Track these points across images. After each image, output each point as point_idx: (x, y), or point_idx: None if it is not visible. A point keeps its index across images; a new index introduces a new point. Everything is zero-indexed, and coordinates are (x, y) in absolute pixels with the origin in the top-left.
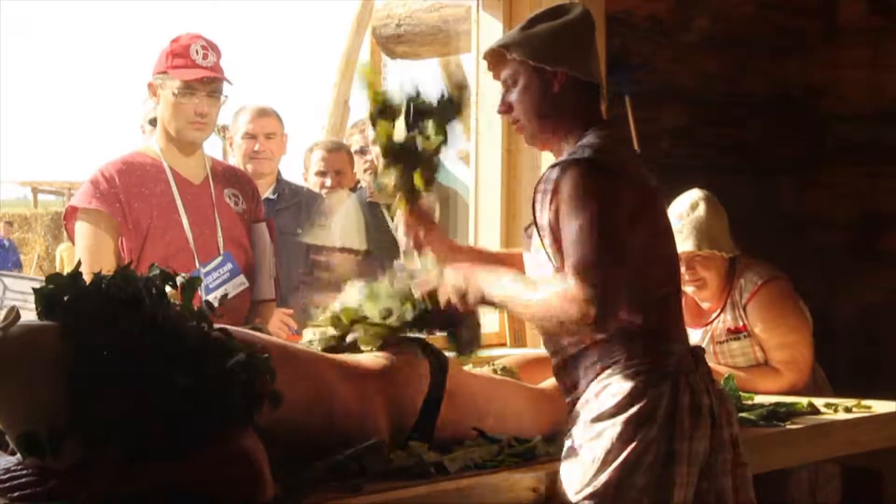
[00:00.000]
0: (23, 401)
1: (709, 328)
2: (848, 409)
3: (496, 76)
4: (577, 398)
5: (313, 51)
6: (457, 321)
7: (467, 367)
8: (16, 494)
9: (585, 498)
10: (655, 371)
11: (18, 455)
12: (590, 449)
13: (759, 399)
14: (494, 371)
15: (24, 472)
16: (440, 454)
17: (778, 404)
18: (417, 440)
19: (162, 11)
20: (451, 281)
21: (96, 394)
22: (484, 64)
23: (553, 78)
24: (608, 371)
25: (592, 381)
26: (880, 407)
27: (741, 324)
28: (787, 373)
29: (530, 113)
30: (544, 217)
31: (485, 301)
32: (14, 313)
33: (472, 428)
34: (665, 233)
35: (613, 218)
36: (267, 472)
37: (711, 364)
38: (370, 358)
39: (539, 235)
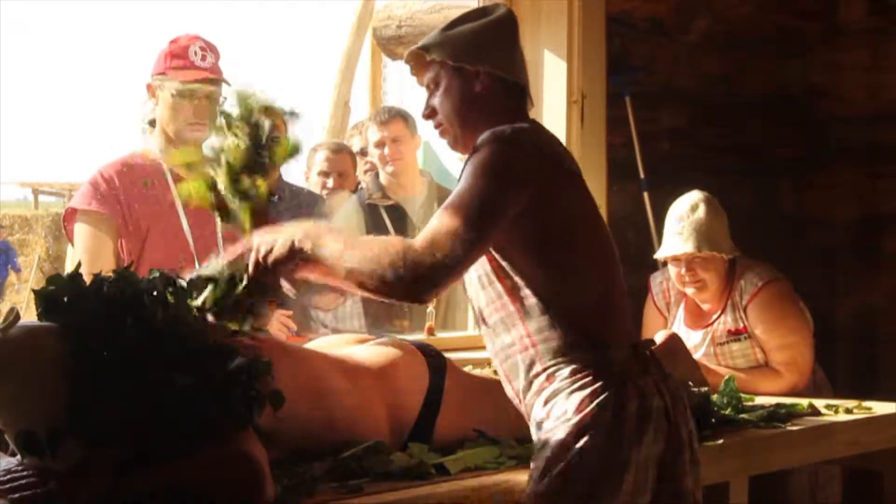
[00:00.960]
0: (22, 401)
1: (709, 329)
2: (848, 411)
3: (420, 81)
4: (528, 410)
5: (314, 52)
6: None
7: (466, 368)
8: (16, 495)
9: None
10: (598, 381)
11: (19, 456)
12: (537, 459)
13: (759, 400)
14: (494, 372)
15: (25, 472)
16: (440, 455)
17: (778, 405)
18: (417, 441)
19: (162, 11)
20: (259, 239)
21: (95, 395)
22: None
23: (475, 78)
24: (553, 387)
25: (539, 394)
26: (881, 408)
27: (742, 325)
28: (788, 374)
29: (452, 115)
30: None
31: (295, 251)
32: (14, 314)
33: (471, 429)
34: (593, 224)
35: (502, 199)
36: (268, 473)
37: (712, 365)
38: (370, 359)
39: None
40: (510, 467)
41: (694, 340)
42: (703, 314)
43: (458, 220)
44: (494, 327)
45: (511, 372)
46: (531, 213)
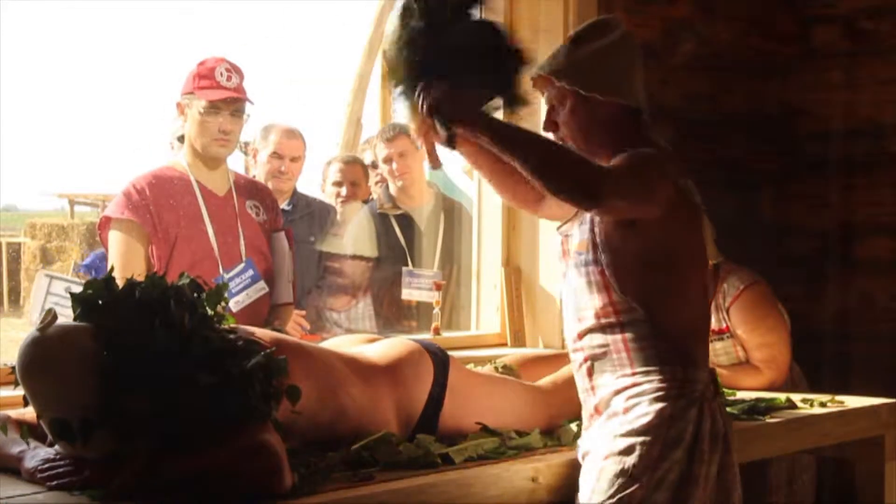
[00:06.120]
0: (57, 393)
1: None
2: (822, 404)
3: (541, 93)
4: (599, 404)
5: (329, 73)
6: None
7: (469, 366)
8: (54, 482)
9: None
10: (684, 397)
11: (56, 447)
12: (617, 462)
13: (741, 395)
14: (496, 369)
15: (62, 461)
16: (445, 446)
17: (758, 400)
18: (422, 432)
19: (188, 28)
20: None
21: (125, 390)
22: None
23: (600, 104)
24: (638, 389)
25: (620, 392)
26: (852, 402)
27: (724, 325)
28: (767, 371)
29: (577, 135)
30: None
31: (482, 124)
32: (51, 315)
33: (474, 422)
34: (698, 253)
35: (656, 177)
36: (286, 463)
37: None
38: (379, 356)
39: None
40: (510, 458)
41: None
42: None
43: (630, 175)
44: (592, 329)
45: (597, 367)
46: (651, 232)
